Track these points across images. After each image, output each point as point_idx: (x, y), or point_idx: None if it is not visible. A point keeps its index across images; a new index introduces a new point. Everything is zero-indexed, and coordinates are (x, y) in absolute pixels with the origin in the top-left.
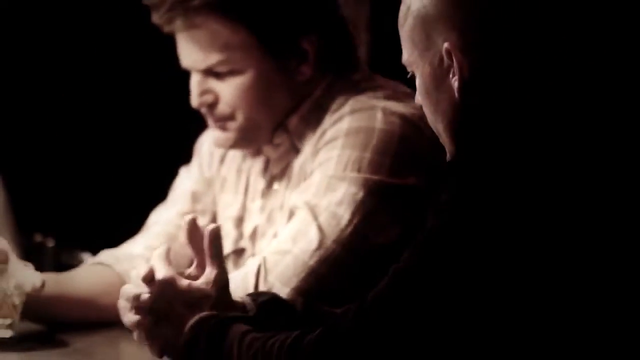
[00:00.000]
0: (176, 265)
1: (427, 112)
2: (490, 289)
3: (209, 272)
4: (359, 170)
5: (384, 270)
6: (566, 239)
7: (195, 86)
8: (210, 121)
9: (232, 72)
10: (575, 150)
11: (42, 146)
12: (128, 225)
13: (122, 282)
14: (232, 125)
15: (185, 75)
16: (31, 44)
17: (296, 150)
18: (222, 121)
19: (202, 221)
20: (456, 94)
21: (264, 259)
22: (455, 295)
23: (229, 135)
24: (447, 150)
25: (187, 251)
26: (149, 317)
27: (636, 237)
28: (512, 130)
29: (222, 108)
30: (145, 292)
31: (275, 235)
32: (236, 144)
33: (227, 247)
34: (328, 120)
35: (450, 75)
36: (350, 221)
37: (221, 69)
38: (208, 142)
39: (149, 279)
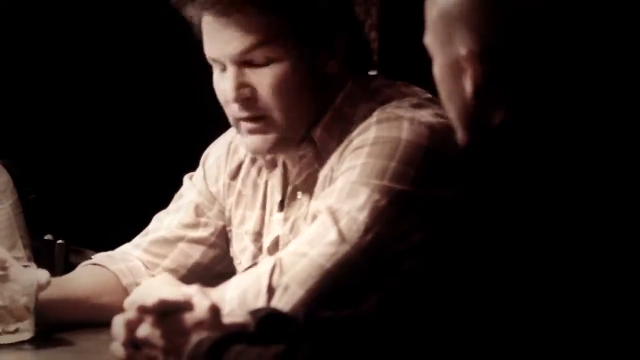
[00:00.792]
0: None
1: (442, 97)
2: (497, 293)
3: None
4: (382, 179)
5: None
6: (574, 242)
7: (232, 79)
8: (242, 126)
9: (269, 61)
10: (589, 154)
11: (53, 148)
12: (136, 225)
13: (118, 281)
14: (268, 125)
15: (195, 80)
16: (49, 49)
17: (320, 161)
18: (257, 121)
19: (205, 233)
20: (468, 96)
21: (280, 260)
22: (460, 298)
23: (265, 138)
24: (458, 134)
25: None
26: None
27: None
28: (524, 132)
29: (259, 103)
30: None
31: None
32: (274, 146)
33: (246, 261)
34: (354, 129)
35: (465, 79)
36: (370, 227)
37: (258, 55)
38: (214, 155)
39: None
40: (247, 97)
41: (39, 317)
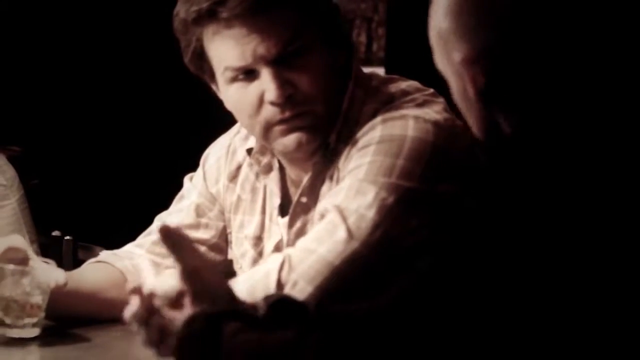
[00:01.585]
0: None
1: (463, 111)
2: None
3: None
4: (390, 176)
5: (408, 270)
6: (586, 241)
7: (274, 80)
8: (278, 129)
9: (302, 53)
10: (595, 152)
11: (61, 146)
12: (144, 222)
13: (124, 278)
14: (311, 119)
15: (200, 83)
16: (58, 49)
17: (328, 165)
18: (303, 116)
19: (206, 235)
20: (475, 102)
21: (289, 256)
22: (472, 307)
23: (311, 133)
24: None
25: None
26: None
27: None
28: (533, 136)
29: (302, 97)
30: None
31: None
32: (317, 140)
33: (246, 265)
34: (358, 130)
35: (467, 84)
36: (378, 225)
37: (291, 48)
38: (214, 156)
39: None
40: (291, 94)
41: (46, 313)
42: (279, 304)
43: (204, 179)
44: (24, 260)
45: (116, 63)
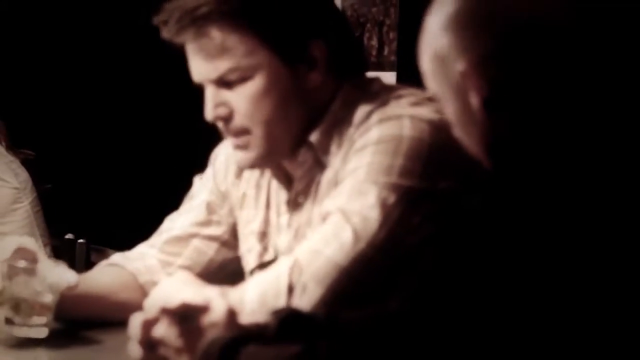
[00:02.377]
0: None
1: (462, 137)
2: (522, 307)
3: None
4: (389, 176)
5: (414, 270)
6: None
7: (209, 99)
8: (229, 139)
9: (243, 80)
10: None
11: (74, 150)
12: (156, 224)
13: (135, 279)
14: (251, 140)
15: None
16: (71, 54)
17: (321, 166)
18: (239, 136)
19: (218, 231)
20: (479, 113)
21: (296, 259)
22: (480, 309)
23: (250, 154)
24: (488, 170)
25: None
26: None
27: None
28: (539, 142)
29: (238, 120)
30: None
31: None
32: (258, 161)
33: (253, 261)
34: (355, 132)
35: (471, 96)
36: (382, 224)
37: (232, 76)
38: (223, 154)
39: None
40: (224, 116)
41: (57, 314)
42: (289, 318)
43: (214, 177)
44: (33, 261)
45: (128, 68)
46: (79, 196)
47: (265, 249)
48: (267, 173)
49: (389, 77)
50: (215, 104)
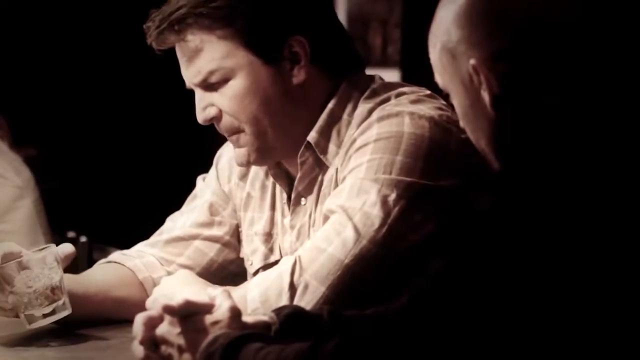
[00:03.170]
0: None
1: (469, 131)
2: (530, 307)
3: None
4: (390, 173)
5: (418, 268)
6: (610, 253)
7: (197, 102)
8: (228, 139)
9: (225, 80)
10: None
11: (76, 148)
12: (158, 222)
13: (134, 276)
14: (244, 139)
15: None
16: (75, 52)
17: (321, 165)
18: (232, 135)
19: (220, 232)
20: (490, 109)
21: (299, 257)
22: (487, 309)
23: (245, 151)
24: (493, 165)
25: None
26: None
27: None
28: (550, 140)
29: (226, 120)
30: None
31: None
32: (254, 159)
33: (257, 262)
34: (355, 130)
35: (482, 91)
36: (384, 221)
37: (214, 78)
38: (226, 155)
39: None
40: (213, 117)
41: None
42: (292, 316)
43: (217, 177)
44: (16, 256)
45: (133, 67)
46: (81, 194)
47: (271, 251)
48: (271, 175)
49: (393, 75)
50: (204, 106)
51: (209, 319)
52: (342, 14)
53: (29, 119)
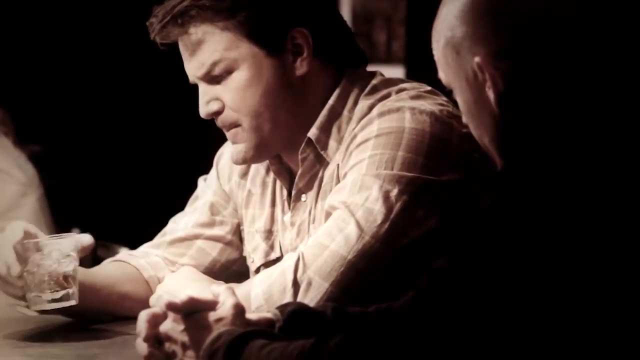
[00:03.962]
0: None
1: (472, 127)
2: (533, 305)
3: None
4: (392, 168)
5: (420, 263)
6: (612, 251)
7: (201, 96)
8: (226, 135)
9: (229, 72)
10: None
11: (80, 145)
12: (162, 220)
13: (140, 274)
14: (241, 134)
15: None
16: (79, 49)
17: (322, 161)
18: (230, 129)
19: (221, 231)
20: (494, 106)
21: (302, 254)
22: (492, 307)
23: (242, 148)
24: (496, 162)
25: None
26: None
27: None
28: (553, 137)
29: (227, 113)
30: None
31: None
32: (250, 155)
33: (258, 259)
34: (356, 126)
35: (487, 88)
36: (386, 217)
37: (217, 70)
38: (227, 154)
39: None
40: (216, 111)
41: (66, 309)
42: (296, 313)
43: (218, 177)
44: (33, 237)
45: (136, 65)
46: (85, 191)
47: (271, 248)
48: (272, 172)
49: (397, 72)
50: (207, 99)
51: (212, 316)
52: (346, 11)
53: (33, 115)
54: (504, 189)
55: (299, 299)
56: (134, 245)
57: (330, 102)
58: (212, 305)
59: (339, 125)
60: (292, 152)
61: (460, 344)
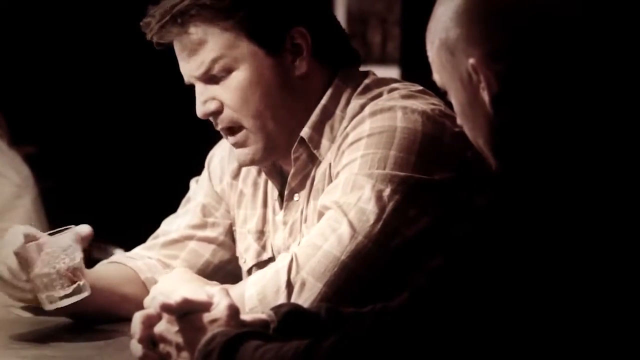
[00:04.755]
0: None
1: (466, 129)
2: (528, 305)
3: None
4: (384, 168)
5: (414, 263)
6: (607, 251)
7: (198, 96)
8: (227, 139)
9: (228, 72)
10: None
11: (75, 146)
12: (156, 221)
13: (137, 275)
14: (249, 136)
15: None
16: (74, 50)
17: (314, 160)
18: (235, 133)
19: (214, 233)
20: (489, 107)
21: (295, 255)
22: (485, 307)
23: (250, 150)
24: (491, 163)
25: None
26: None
27: None
28: (548, 139)
29: (227, 113)
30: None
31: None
32: (259, 157)
33: (250, 260)
34: (348, 125)
35: (481, 90)
36: (379, 217)
37: (216, 69)
38: (218, 156)
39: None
40: (214, 110)
41: (62, 310)
42: (290, 314)
43: (209, 178)
44: (33, 238)
45: (132, 66)
46: (80, 192)
47: (263, 248)
48: (264, 172)
49: (392, 73)
50: (204, 99)
51: (207, 317)
52: (341, 12)
53: (28, 117)
54: (499, 190)
55: (292, 300)
56: (128, 247)
57: (323, 101)
58: (206, 306)
59: (331, 125)
60: (286, 151)
61: (455, 345)
